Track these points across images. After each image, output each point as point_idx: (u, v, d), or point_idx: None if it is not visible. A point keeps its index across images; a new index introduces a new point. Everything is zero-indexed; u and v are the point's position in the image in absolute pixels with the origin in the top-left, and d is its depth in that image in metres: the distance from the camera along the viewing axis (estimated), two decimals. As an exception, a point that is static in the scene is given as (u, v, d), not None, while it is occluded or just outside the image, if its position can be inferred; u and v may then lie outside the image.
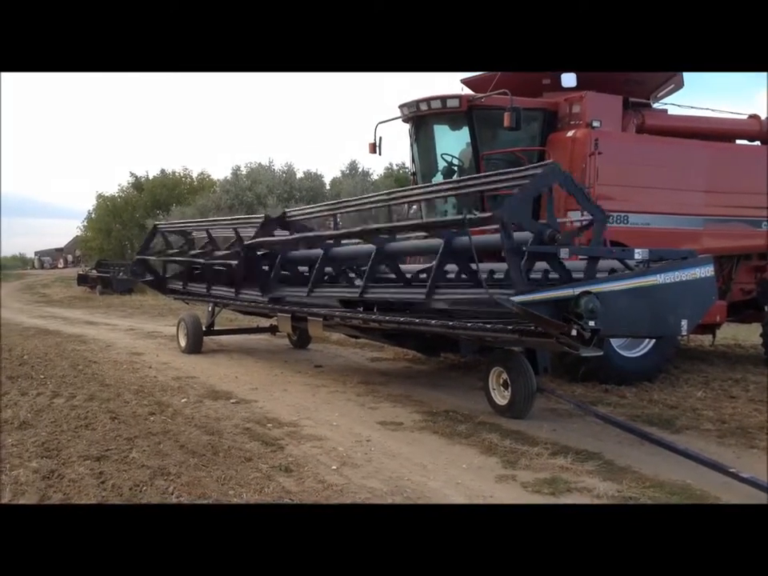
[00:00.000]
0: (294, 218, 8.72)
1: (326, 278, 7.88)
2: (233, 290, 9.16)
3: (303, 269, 8.66)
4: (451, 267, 6.44)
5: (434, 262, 6.14)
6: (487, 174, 6.68)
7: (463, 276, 6.30)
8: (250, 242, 8.55)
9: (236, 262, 8.78)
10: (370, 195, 8.64)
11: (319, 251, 7.71)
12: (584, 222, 5.99)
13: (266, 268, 8.63)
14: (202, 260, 9.87)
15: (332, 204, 8.72)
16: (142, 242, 12.31)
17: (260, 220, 8.81)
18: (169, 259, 11.02)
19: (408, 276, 6.90)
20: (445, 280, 6.47)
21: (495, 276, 6.09)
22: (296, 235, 8.27)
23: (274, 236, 8.69)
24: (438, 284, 6.10)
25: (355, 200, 8.58)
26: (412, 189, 7.66)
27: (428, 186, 7.54)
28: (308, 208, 9.46)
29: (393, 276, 7.02)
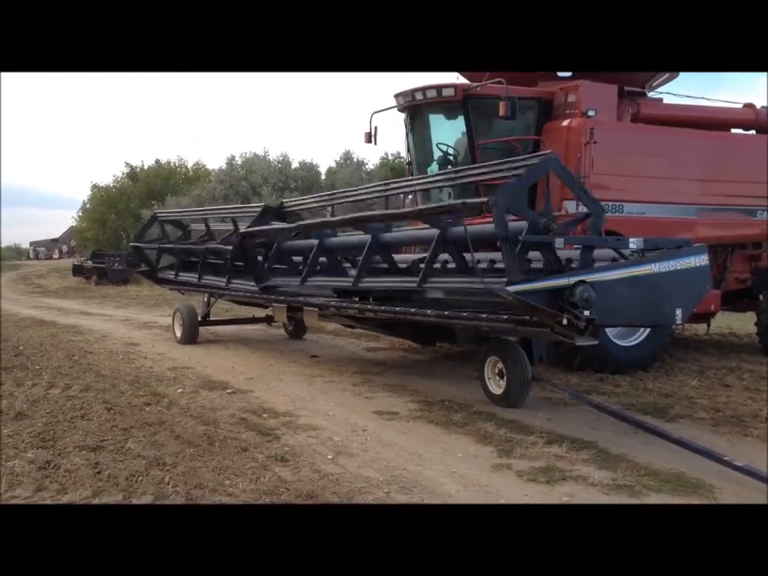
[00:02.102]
0: (291, 209, 8.69)
1: (318, 268, 7.85)
2: (224, 279, 9.14)
3: (297, 259, 8.63)
4: (449, 258, 6.42)
5: (428, 252, 6.13)
6: (484, 164, 6.66)
7: (458, 265, 6.28)
8: (245, 229, 8.53)
9: (231, 248, 8.75)
10: (366, 186, 8.62)
11: (314, 241, 7.70)
12: (579, 215, 5.97)
13: (260, 258, 8.62)
14: (197, 247, 9.80)
15: (329, 194, 8.71)
16: (138, 231, 12.21)
17: (258, 209, 8.80)
18: (164, 247, 10.94)
19: (403, 266, 6.88)
20: (440, 269, 6.46)
21: (496, 266, 6.04)
22: (291, 224, 8.23)
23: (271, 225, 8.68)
24: (432, 273, 6.09)
25: (352, 190, 8.56)
26: (408, 179, 7.64)
27: (425, 177, 7.52)
28: (305, 198, 9.44)
29: (386, 267, 7.01)
